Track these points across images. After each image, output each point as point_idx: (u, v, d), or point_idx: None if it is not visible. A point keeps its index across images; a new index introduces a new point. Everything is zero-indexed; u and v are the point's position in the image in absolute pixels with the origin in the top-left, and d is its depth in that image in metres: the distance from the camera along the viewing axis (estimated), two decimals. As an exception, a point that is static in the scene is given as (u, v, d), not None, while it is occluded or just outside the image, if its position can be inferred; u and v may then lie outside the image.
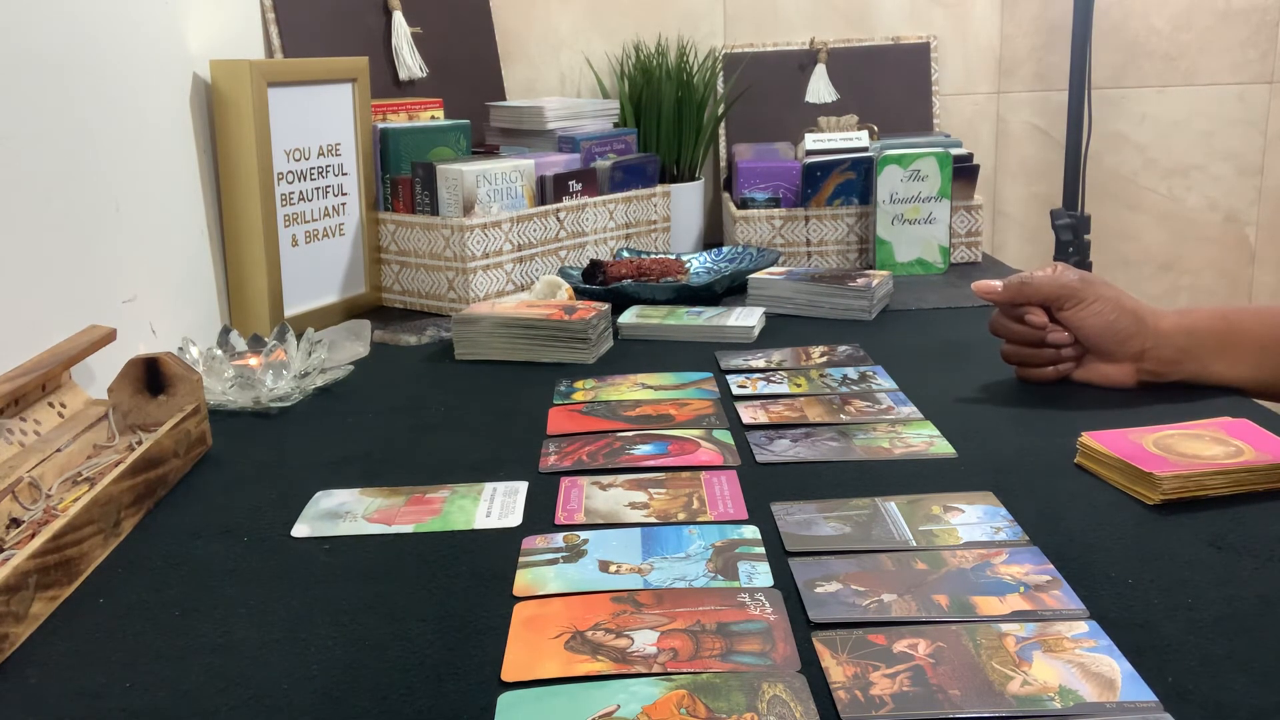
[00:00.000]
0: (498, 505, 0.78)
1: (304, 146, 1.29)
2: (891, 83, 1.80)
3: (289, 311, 1.28)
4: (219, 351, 1.04)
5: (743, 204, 1.55)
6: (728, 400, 0.99)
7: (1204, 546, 0.68)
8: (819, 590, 0.63)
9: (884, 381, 1.02)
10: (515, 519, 0.75)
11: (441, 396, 1.04)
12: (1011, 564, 0.66)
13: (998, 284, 0.97)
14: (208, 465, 0.88)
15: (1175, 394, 0.93)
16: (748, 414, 0.94)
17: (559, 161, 1.46)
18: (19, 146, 0.89)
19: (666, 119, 1.65)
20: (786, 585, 0.64)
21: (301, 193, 1.29)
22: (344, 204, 1.36)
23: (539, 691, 0.55)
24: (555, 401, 1.00)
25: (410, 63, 1.58)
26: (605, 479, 0.82)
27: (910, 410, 0.94)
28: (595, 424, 0.93)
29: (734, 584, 0.65)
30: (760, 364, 1.09)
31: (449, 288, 1.33)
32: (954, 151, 1.49)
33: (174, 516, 0.78)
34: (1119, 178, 1.89)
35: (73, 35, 0.98)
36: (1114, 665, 0.55)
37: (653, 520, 0.74)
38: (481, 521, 0.75)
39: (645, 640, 0.59)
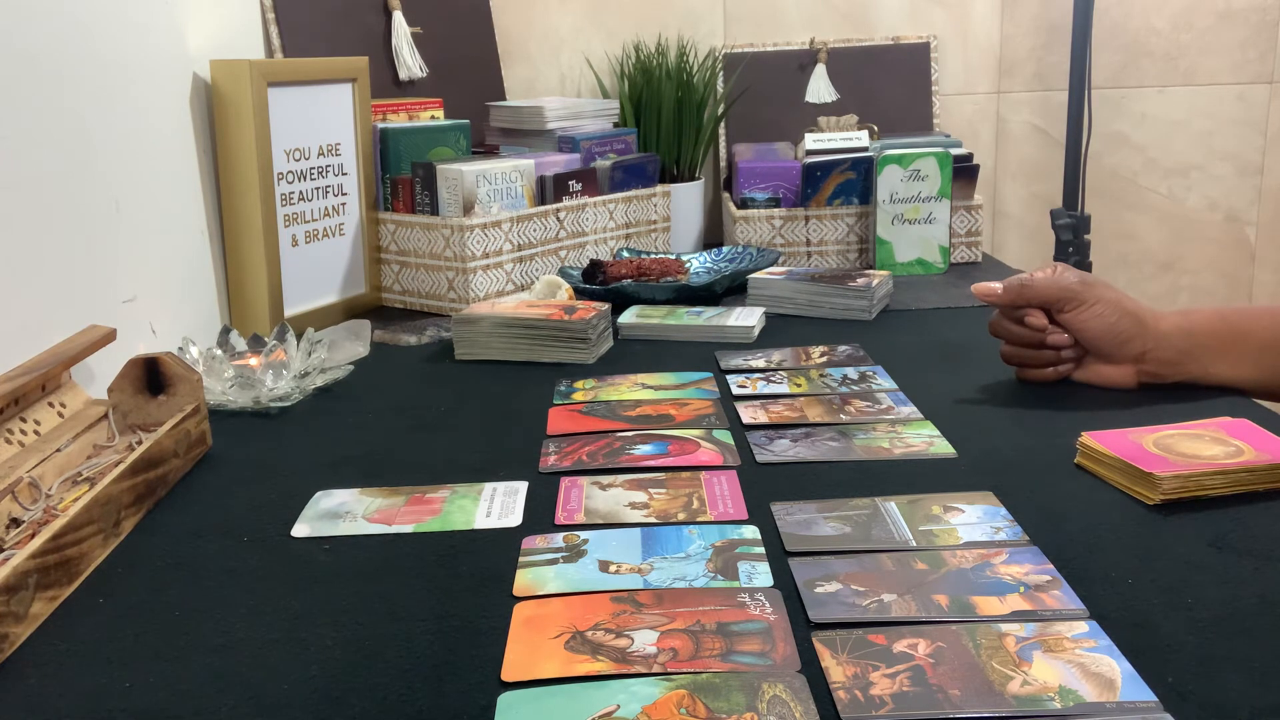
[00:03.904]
0: (498, 505, 0.78)
1: (304, 146, 1.29)
2: (891, 83, 1.80)
3: (289, 311, 1.28)
4: (219, 351, 1.04)
5: (743, 204, 1.55)
6: (728, 400, 0.99)
7: (1204, 546, 0.68)
8: (819, 590, 0.63)
9: (884, 381, 1.02)
10: (515, 519, 0.75)
11: (441, 396, 1.04)
12: (1011, 564, 0.66)
13: (997, 286, 0.97)
14: (208, 465, 0.88)
15: (1175, 394, 0.93)
16: (748, 414, 0.94)
17: (559, 161, 1.46)
18: (19, 146, 0.90)
19: (666, 119, 1.65)
20: (786, 585, 0.64)
21: (301, 193, 1.29)
22: (344, 204, 1.36)
23: (539, 691, 0.55)
24: (555, 401, 1.00)
25: (410, 63, 1.58)
26: (605, 479, 0.82)
27: (910, 410, 0.94)
28: (595, 424, 0.93)
29: (734, 584, 0.65)
30: (760, 364, 1.09)
31: (449, 288, 1.33)
32: (954, 151, 1.49)
33: (174, 516, 0.78)
34: (1119, 178, 1.89)
35: (73, 35, 0.98)
36: (1114, 665, 0.55)
37: (653, 520, 0.74)
38: (481, 521, 0.75)
39: (645, 640, 0.59)
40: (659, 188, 1.56)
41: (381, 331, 1.25)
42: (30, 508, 0.75)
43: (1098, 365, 0.96)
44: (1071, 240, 1.72)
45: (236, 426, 0.97)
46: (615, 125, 1.64)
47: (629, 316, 1.24)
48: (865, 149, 1.57)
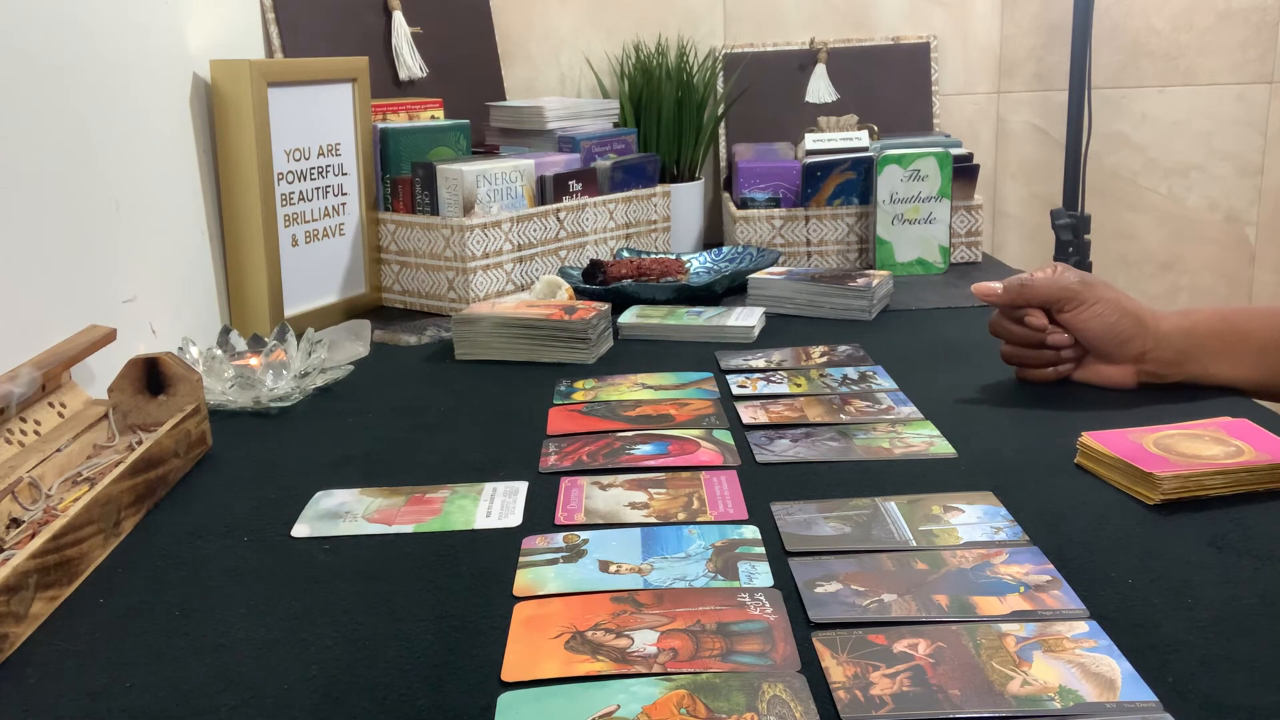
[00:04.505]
0: (498, 505, 0.78)
1: (304, 146, 1.29)
2: (891, 83, 1.80)
3: (289, 311, 1.28)
4: (219, 351, 1.04)
5: (743, 204, 1.55)
6: (728, 400, 0.99)
7: (1204, 546, 0.68)
8: (819, 590, 0.63)
9: (884, 381, 1.02)
10: (515, 519, 0.75)
11: (441, 396, 1.04)
12: (1011, 564, 0.66)
13: (997, 286, 0.97)
14: (208, 465, 0.88)
15: (1175, 394, 0.93)
16: (748, 414, 0.94)
17: (559, 161, 1.46)
18: (19, 146, 0.89)
19: (666, 119, 1.65)
20: (786, 585, 0.64)
21: (301, 193, 1.29)
22: (344, 204, 1.36)
23: (539, 691, 0.55)
24: (555, 401, 1.00)
25: (410, 63, 1.58)
26: (605, 479, 0.82)
27: (910, 410, 0.94)
28: (595, 424, 0.93)
29: (734, 584, 0.65)
30: (760, 364, 1.09)
31: (449, 288, 1.33)
32: (954, 151, 1.49)
33: (174, 516, 0.78)
34: (1119, 178, 1.89)
35: (73, 35, 0.98)
36: (1114, 665, 0.55)
37: (653, 520, 0.74)
38: (481, 521, 0.75)
39: (645, 640, 0.59)
40: (659, 188, 1.56)
41: (381, 331, 1.25)
42: (30, 508, 0.75)
43: (1097, 365, 0.96)
44: (1071, 240, 1.72)
45: (236, 426, 0.97)
46: (615, 125, 1.65)
47: (629, 316, 1.24)
48: (865, 149, 1.57)
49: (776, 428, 0.91)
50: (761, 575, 0.66)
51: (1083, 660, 0.55)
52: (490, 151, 1.58)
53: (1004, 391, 0.99)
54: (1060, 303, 0.94)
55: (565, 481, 0.82)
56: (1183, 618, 0.60)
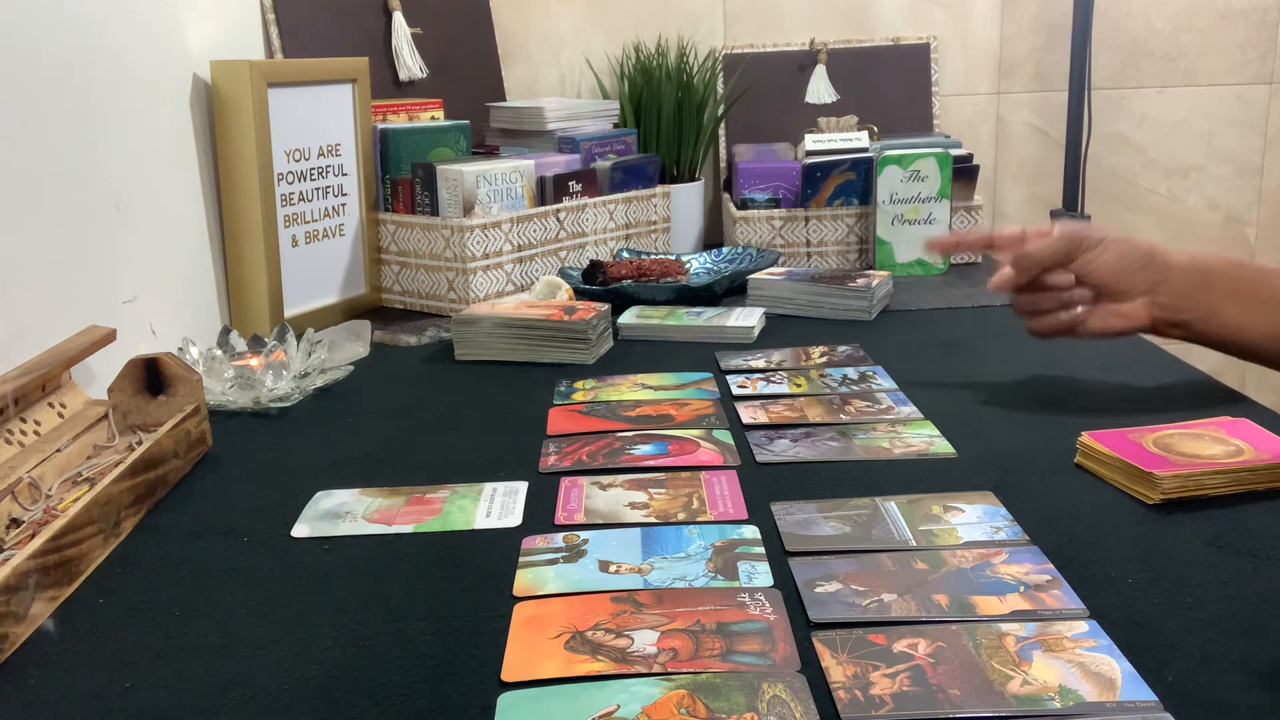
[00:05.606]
0: (498, 505, 0.78)
1: (304, 147, 1.29)
2: (891, 83, 1.80)
3: (289, 312, 1.28)
4: (219, 352, 1.04)
5: (743, 204, 1.55)
6: (728, 400, 0.99)
7: (1204, 546, 0.68)
8: (819, 590, 0.63)
9: (884, 381, 1.02)
10: (515, 519, 0.75)
11: (441, 396, 1.04)
12: (1011, 564, 0.66)
13: (1008, 271, 0.96)
14: (208, 465, 0.88)
15: (1175, 394, 0.93)
16: (748, 414, 0.94)
17: (559, 162, 1.46)
18: (20, 146, 0.90)
19: (666, 119, 1.65)
20: (786, 585, 0.64)
21: (301, 193, 1.29)
22: (344, 204, 1.36)
23: (539, 691, 0.55)
24: (555, 401, 1.00)
25: (410, 63, 1.58)
26: (605, 479, 0.82)
27: (910, 410, 0.94)
28: (595, 424, 0.93)
29: (734, 584, 0.65)
30: (760, 364, 1.09)
31: (449, 288, 1.33)
32: (954, 152, 1.49)
33: (174, 516, 0.78)
34: (1119, 178, 1.89)
35: (73, 35, 0.98)
36: (1114, 665, 0.55)
37: (653, 520, 0.74)
38: (481, 521, 0.75)
39: (645, 640, 0.59)
40: (659, 188, 1.56)
41: (381, 332, 1.25)
42: (30, 508, 0.75)
43: (1110, 307, 0.94)
44: (1071, 240, 1.72)
45: (236, 426, 0.97)
46: (615, 126, 1.64)
47: (629, 317, 1.24)
48: (865, 150, 1.57)
49: (776, 428, 0.91)
50: (761, 575, 0.66)
51: (1083, 660, 0.55)
52: (490, 152, 1.58)
53: (1004, 391, 0.99)
54: (1069, 253, 0.93)
55: (565, 481, 0.82)
56: (1183, 617, 0.60)
